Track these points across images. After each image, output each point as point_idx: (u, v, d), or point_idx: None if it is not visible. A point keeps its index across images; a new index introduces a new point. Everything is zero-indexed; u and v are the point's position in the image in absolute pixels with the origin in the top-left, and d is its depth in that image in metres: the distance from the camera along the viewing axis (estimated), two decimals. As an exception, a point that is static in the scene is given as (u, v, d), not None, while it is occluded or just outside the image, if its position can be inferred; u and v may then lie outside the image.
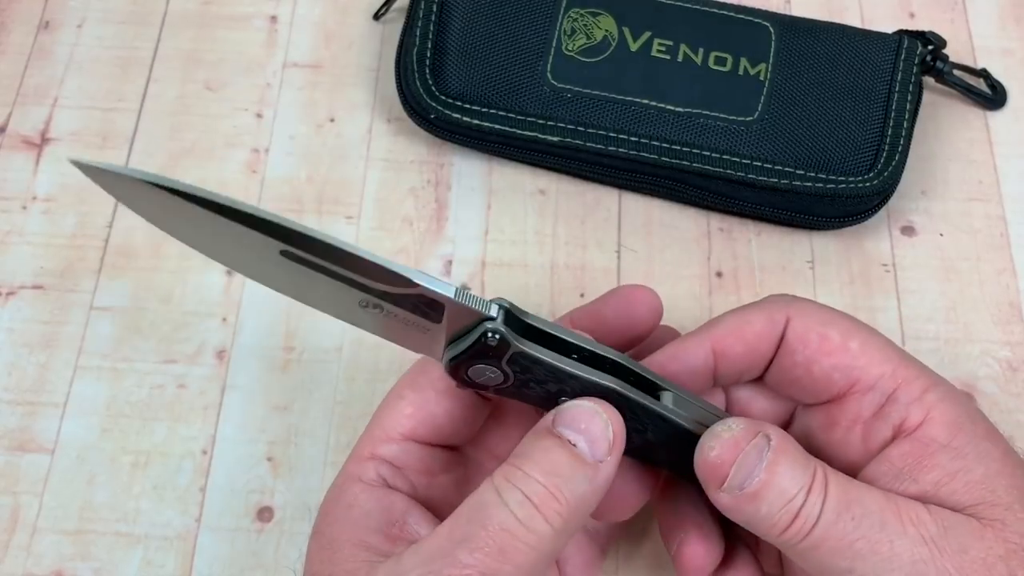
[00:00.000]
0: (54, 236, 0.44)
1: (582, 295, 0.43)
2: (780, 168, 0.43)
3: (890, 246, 0.45)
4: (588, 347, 0.30)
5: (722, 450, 0.29)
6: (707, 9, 0.45)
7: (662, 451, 0.31)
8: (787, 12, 0.49)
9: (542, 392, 0.30)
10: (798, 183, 0.42)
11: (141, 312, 0.42)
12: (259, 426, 0.40)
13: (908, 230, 0.45)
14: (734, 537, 0.34)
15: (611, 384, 0.29)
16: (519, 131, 0.44)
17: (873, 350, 0.31)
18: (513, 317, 0.29)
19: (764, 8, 0.46)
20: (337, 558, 0.29)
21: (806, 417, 0.34)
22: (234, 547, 0.38)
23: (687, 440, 0.30)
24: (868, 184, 0.42)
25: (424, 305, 0.28)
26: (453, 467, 0.34)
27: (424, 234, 0.44)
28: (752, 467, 0.28)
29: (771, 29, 0.45)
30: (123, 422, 0.40)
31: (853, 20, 0.49)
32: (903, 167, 0.43)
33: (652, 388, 0.30)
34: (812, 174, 0.42)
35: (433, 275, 0.28)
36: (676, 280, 0.43)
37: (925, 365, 0.32)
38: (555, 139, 0.43)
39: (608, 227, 0.45)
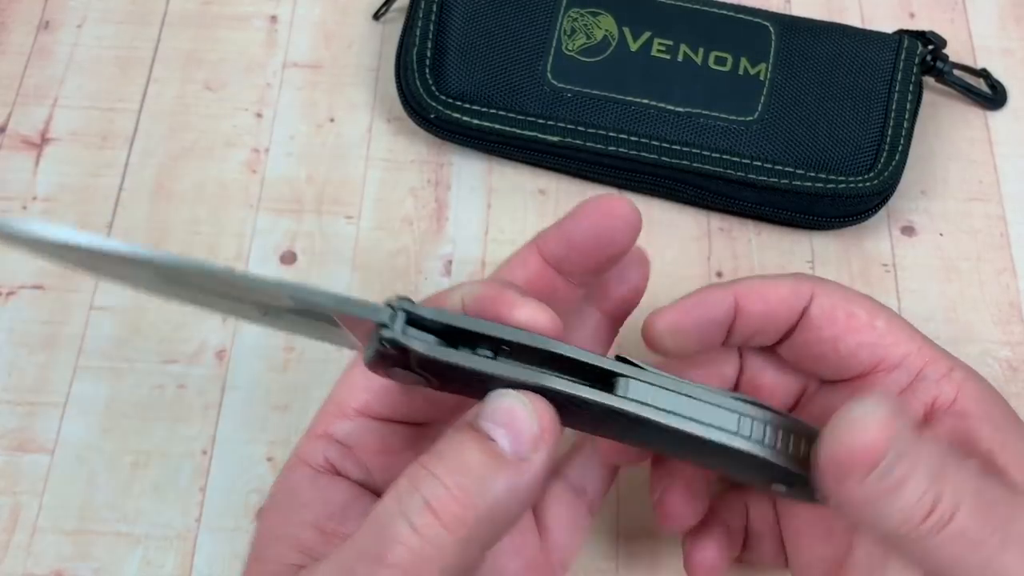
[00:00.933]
0: (54, 236, 0.44)
1: (582, 295, 0.43)
2: (780, 168, 0.43)
3: (890, 246, 0.45)
4: (517, 339, 0.26)
5: (878, 432, 0.24)
6: (707, 9, 0.45)
7: (636, 440, 0.28)
8: (787, 12, 0.49)
9: (479, 391, 0.26)
10: (798, 183, 0.42)
11: (141, 312, 0.42)
12: (259, 426, 0.40)
13: (908, 230, 0.45)
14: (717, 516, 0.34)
15: (540, 381, 0.25)
16: (519, 131, 0.44)
17: (898, 329, 0.31)
18: (417, 317, 0.25)
19: (764, 8, 0.46)
20: (266, 556, 0.27)
21: (827, 394, 0.33)
22: (234, 547, 0.38)
23: (656, 431, 0.26)
24: (868, 184, 0.42)
25: (315, 314, 0.25)
26: (419, 444, 0.30)
27: (424, 234, 0.44)
28: (897, 455, 0.24)
29: (771, 29, 0.45)
30: (123, 422, 0.40)
31: (853, 20, 0.49)
32: (903, 167, 0.43)
33: (604, 376, 0.26)
34: (812, 174, 0.42)
35: (315, 284, 0.25)
36: (676, 280, 0.43)
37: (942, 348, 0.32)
38: (555, 139, 0.43)
39: (608, 227, 0.45)
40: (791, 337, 0.32)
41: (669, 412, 0.26)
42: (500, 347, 0.26)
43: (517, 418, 0.25)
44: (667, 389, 0.26)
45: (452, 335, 0.26)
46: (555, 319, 0.26)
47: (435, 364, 0.25)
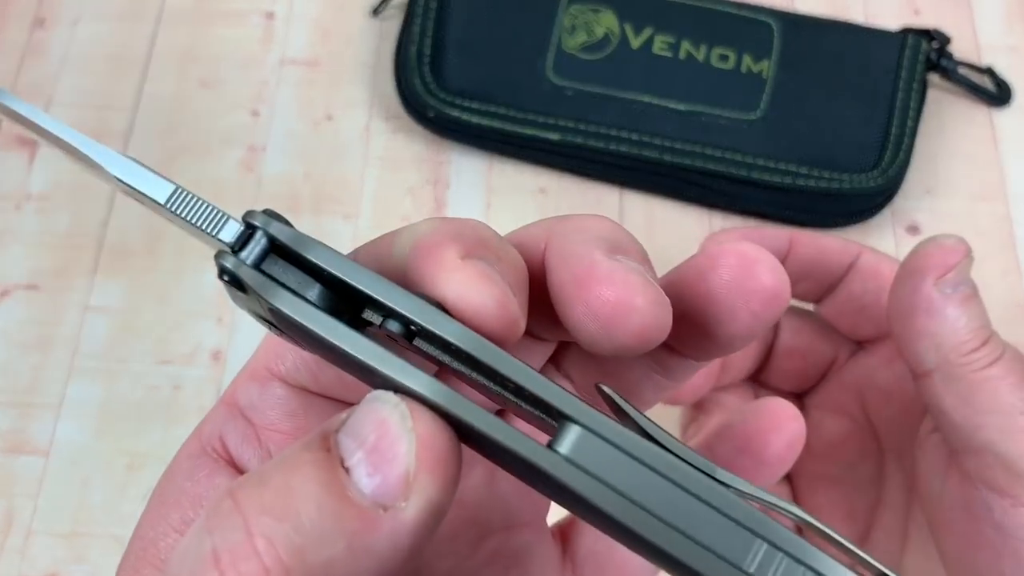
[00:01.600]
0: (48, 236, 0.44)
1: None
2: (783, 166, 0.42)
3: (894, 245, 0.44)
4: (426, 325, 0.16)
5: (955, 242, 0.29)
6: (709, 6, 0.45)
7: (580, 514, 0.18)
8: (790, 9, 0.48)
9: (366, 379, 0.18)
10: (801, 181, 0.42)
11: (136, 313, 0.42)
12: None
13: (913, 229, 0.44)
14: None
15: (440, 398, 0.16)
16: (519, 129, 0.43)
17: None
18: (287, 249, 0.17)
19: (767, 5, 0.46)
20: (126, 564, 0.20)
21: (865, 358, 0.35)
22: (230, 551, 0.38)
23: (605, 520, 0.16)
24: (872, 182, 0.42)
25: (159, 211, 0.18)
26: None
27: (423, 233, 0.44)
28: (964, 277, 0.29)
29: (774, 26, 0.44)
30: (118, 424, 0.40)
31: (857, 17, 0.49)
32: (907, 165, 0.43)
33: (549, 411, 0.16)
34: (815, 172, 0.42)
35: (154, 170, 0.18)
36: (678, 280, 0.43)
37: None
38: (555, 137, 0.43)
39: (609, 226, 0.44)
40: (835, 292, 0.34)
41: (629, 499, 0.16)
42: (409, 328, 0.17)
43: (387, 442, 0.16)
44: (644, 463, 0.16)
45: (352, 292, 0.17)
46: (503, 307, 0.17)
47: (290, 324, 0.17)
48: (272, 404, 0.21)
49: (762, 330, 0.19)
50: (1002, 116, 0.47)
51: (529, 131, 0.43)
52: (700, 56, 0.44)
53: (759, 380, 0.37)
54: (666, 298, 0.17)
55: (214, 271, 0.18)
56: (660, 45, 0.44)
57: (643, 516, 0.15)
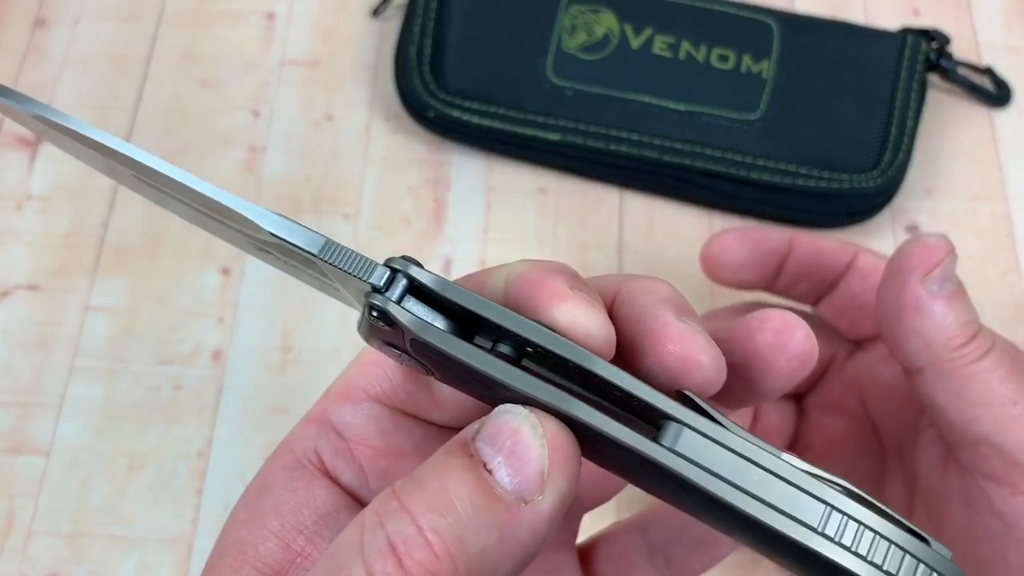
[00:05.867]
0: (49, 236, 0.44)
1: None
2: (783, 166, 0.42)
3: (894, 245, 0.44)
4: (545, 344, 0.20)
5: (939, 240, 0.29)
6: (709, 6, 0.45)
7: (679, 505, 0.22)
8: (790, 9, 0.48)
9: (489, 398, 0.21)
10: (801, 182, 0.42)
11: (137, 312, 0.42)
12: (256, 428, 0.40)
13: (912, 229, 0.44)
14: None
15: (563, 404, 0.19)
16: (519, 129, 0.43)
17: None
18: (423, 287, 0.20)
19: (767, 5, 0.46)
20: (220, 566, 0.22)
21: (864, 356, 0.35)
22: (231, 550, 0.38)
23: (704, 500, 0.19)
24: (872, 183, 0.42)
25: (302, 259, 0.21)
26: (430, 450, 0.22)
27: (423, 234, 0.44)
28: (950, 274, 0.29)
29: (774, 26, 0.44)
30: (119, 424, 0.40)
31: (857, 17, 0.49)
32: (907, 165, 0.43)
33: (652, 415, 0.20)
34: (815, 172, 0.42)
35: (301, 223, 0.20)
36: (678, 280, 0.43)
37: None
38: (555, 137, 0.43)
39: (609, 226, 0.44)
40: (834, 292, 0.35)
41: (725, 480, 0.19)
42: (525, 349, 0.20)
43: (522, 446, 0.19)
44: (731, 450, 0.19)
45: (470, 320, 0.20)
46: (606, 328, 0.20)
47: (431, 351, 0.20)
48: (366, 422, 0.23)
49: (793, 384, 0.22)
50: (1001, 116, 0.47)
51: (529, 131, 0.43)
52: (700, 56, 0.44)
53: None
54: (723, 357, 0.20)
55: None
56: (660, 45, 0.44)
57: (738, 493, 0.19)
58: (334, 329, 0.41)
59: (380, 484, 0.24)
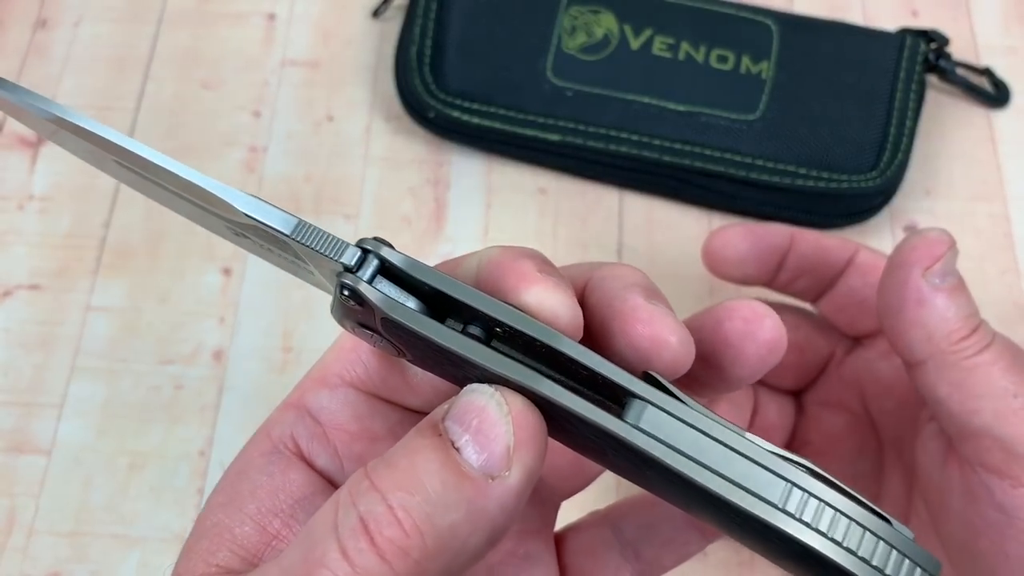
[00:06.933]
0: (50, 236, 0.44)
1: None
2: (782, 167, 0.42)
3: (893, 245, 0.44)
4: (514, 324, 0.20)
5: (941, 234, 0.29)
6: (709, 7, 0.45)
7: (643, 482, 0.22)
8: (789, 10, 0.48)
9: (459, 377, 0.22)
10: (800, 182, 0.42)
11: (138, 312, 0.42)
12: (257, 427, 0.40)
13: (911, 229, 0.45)
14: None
15: (529, 382, 0.20)
16: (519, 130, 0.43)
17: None
18: (394, 268, 0.21)
19: (766, 6, 0.46)
20: (196, 549, 0.22)
21: (863, 352, 0.35)
22: (232, 549, 0.38)
23: (667, 476, 0.20)
24: (871, 183, 0.42)
25: (276, 241, 0.21)
26: (407, 431, 0.23)
27: (423, 234, 0.44)
28: (951, 268, 0.29)
29: (773, 27, 0.45)
30: (120, 423, 0.40)
31: (856, 18, 0.49)
32: (906, 166, 0.43)
33: (618, 393, 0.20)
34: (814, 173, 0.42)
35: (273, 204, 0.21)
36: (677, 280, 0.43)
37: None
38: (555, 138, 0.43)
39: (609, 226, 0.44)
40: (835, 287, 0.35)
41: (688, 457, 0.19)
42: (494, 330, 0.21)
43: (489, 423, 0.19)
44: (694, 427, 0.19)
45: (442, 303, 0.21)
46: (573, 310, 0.21)
47: (401, 331, 0.20)
48: (342, 407, 0.24)
49: (763, 372, 0.22)
50: (1000, 117, 0.47)
51: (529, 132, 0.43)
52: (699, 57, 0.44)
53: None
54: (691, 337, 0.21)
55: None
56: (660, 46, 0.44)
57: (700, 469, 0.19)
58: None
59: (355, 468, 0.23)
